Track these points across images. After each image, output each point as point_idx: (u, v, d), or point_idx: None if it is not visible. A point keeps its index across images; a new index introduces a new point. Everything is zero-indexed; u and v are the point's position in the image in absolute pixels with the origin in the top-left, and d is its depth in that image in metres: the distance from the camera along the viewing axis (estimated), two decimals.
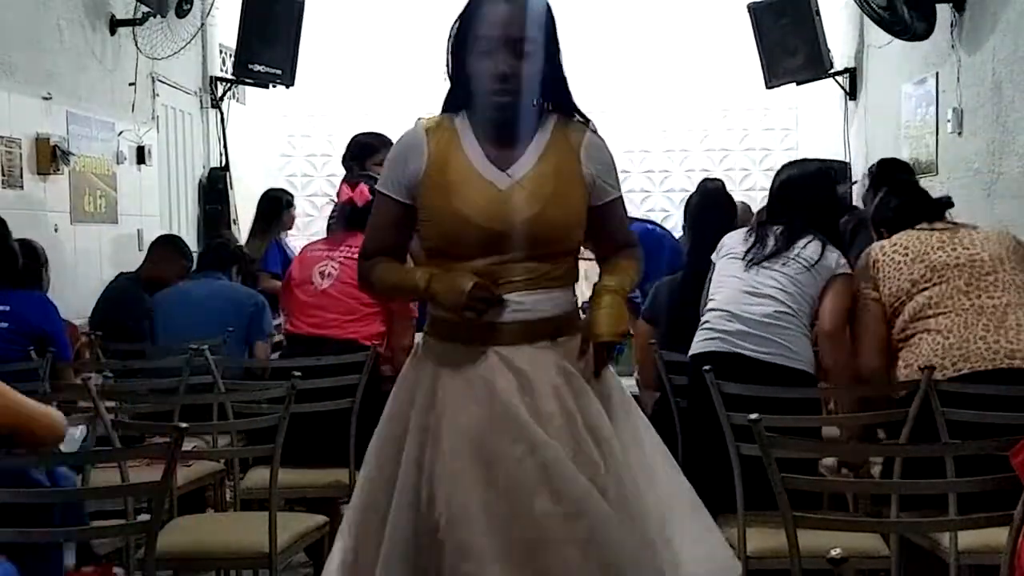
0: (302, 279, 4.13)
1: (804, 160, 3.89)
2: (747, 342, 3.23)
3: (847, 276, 3.31)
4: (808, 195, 3.45)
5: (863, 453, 3.10)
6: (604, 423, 2.26)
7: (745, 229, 3.51)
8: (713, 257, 3.53)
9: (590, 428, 2.23)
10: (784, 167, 3.66)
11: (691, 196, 4.25)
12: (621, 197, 2.43)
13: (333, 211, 4.50)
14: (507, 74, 2.22)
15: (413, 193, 2.32)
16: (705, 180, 4.33)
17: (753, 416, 2.51)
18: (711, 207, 4.03)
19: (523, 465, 2.14)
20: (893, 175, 4.39)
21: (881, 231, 3.54)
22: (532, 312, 2.27)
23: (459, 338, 2.27)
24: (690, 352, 3.38)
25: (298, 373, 3.23)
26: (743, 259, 3.37)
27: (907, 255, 3.27)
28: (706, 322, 3.38)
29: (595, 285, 2.34)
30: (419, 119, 2.40)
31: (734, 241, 3.48)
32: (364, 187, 4.09)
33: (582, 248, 2.42)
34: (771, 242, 3.36)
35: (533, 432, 2.16)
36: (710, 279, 3.49)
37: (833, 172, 5.47)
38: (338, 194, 4.31)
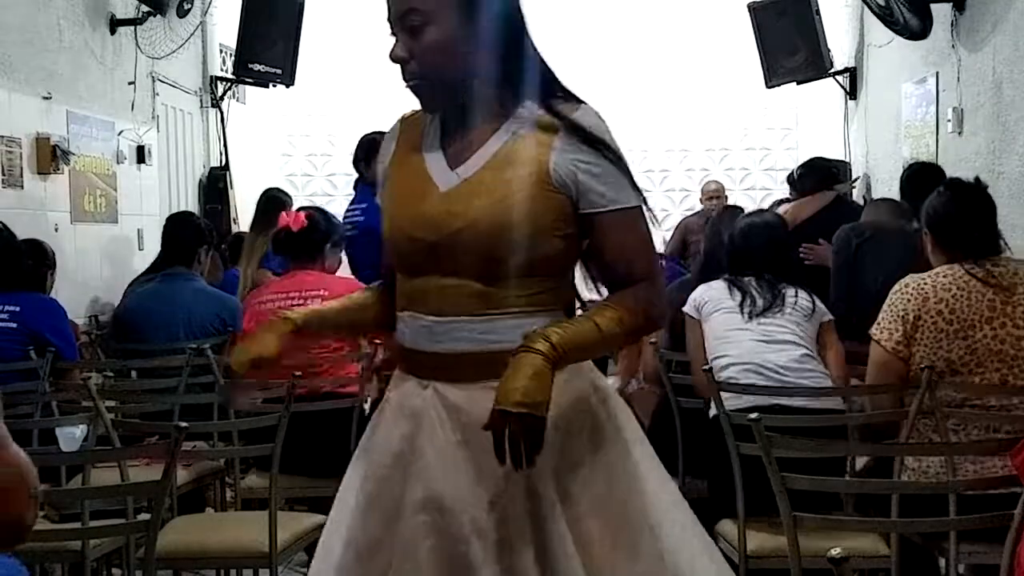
0: None
1: (760, 211, 4.02)
2: (782, 393, 3.17)
3: (831, 321, 3.42)
4: (770, 247, 3.51)
5: (863, 453, 3.10)
6: (548, 501, 1.78)
7: (720, 283, 3.48)
8: (692, 312, 3.49)
9: (529, 496, 1.77)
10: (743, 218, 3.72)
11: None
12: (633, 210, 1.85)
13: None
14: (401, 58, 1.82)
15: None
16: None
17: (753, 416, 2.51)
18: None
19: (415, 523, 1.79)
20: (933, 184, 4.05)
21: (928, 234, 3.15)
22: (477, 343, 1.82)
23: (405, 368, 1.92)
24: (718, 411, 3.02)
25: (298, 373, 3.23)
26: (740, 312, 3.36)
27: (951, 323, 2.93)
28: (730, 378, 3.23)
29: (529, 334, 1.74)
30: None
31: (717, 294, 3.45)
32: (302, 214, 4.03)
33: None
34: (758, 294, 3.38)
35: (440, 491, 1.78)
36: (699, 334, 3.44)
37: (837, 171, 5.49)
38: (279, 219, 4.07)
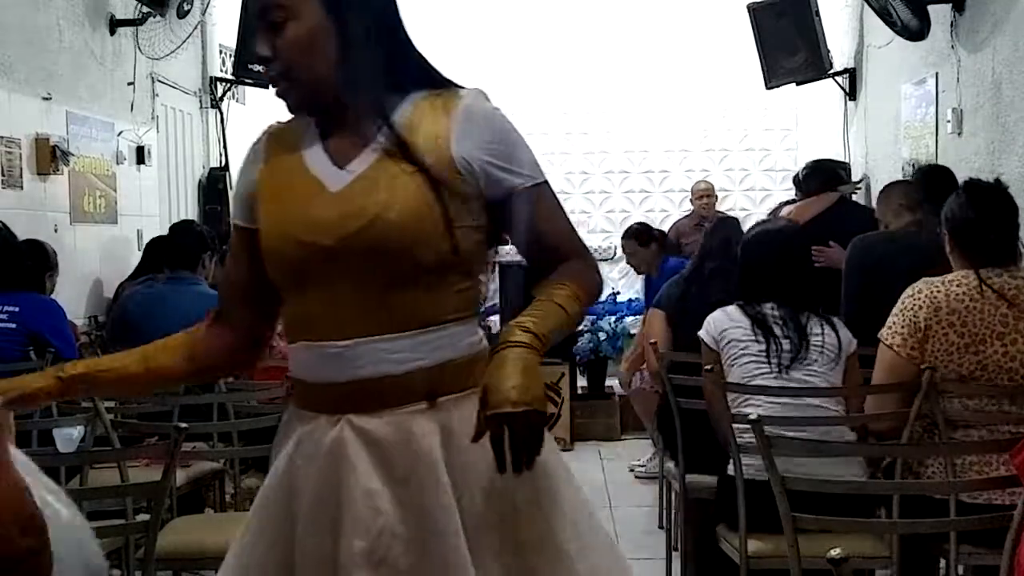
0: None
1: (773, 220, 3.75)
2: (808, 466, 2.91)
3: (856, 351, 3.20)
4: (787, 265, 3.28)
5: (861, 453, 3.09)
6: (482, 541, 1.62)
7: (739, 315, 3.24)
8: (709, 342, 3.27)
9: (469, 531, 1.61)
10: (755, 228, 3.58)
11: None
12: (541, 185, 1.71)
13: None
14: (264, 56, 1.69)
15: (254, 214, 1.75)
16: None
17: (752, 416, 2.51)
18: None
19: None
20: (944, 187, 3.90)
21: (946, 234, 3.07)
22: (397, 364, 1.65)
23: (305, 404, 1.72)
24: (739, 473, 2.95)
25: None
26: (768, 362, 3.15)
27: (962, 335, 2.87)
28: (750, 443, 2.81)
29: (502, 330, 1.61)
30: None
31: (739, 333, 3.21)
32: None
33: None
34: (782, 333, 3.16)
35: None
36: (719, 368, 3.22)
37: (842, 172, 5.49)
38: None
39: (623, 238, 6.43)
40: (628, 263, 6.63)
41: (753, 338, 3.19)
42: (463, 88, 1.72)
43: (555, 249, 1.73)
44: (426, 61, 1.75)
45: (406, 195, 1.63)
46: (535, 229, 1.71)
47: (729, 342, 3.23)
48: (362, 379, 1.64)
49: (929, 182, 4.35)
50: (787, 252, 3.34)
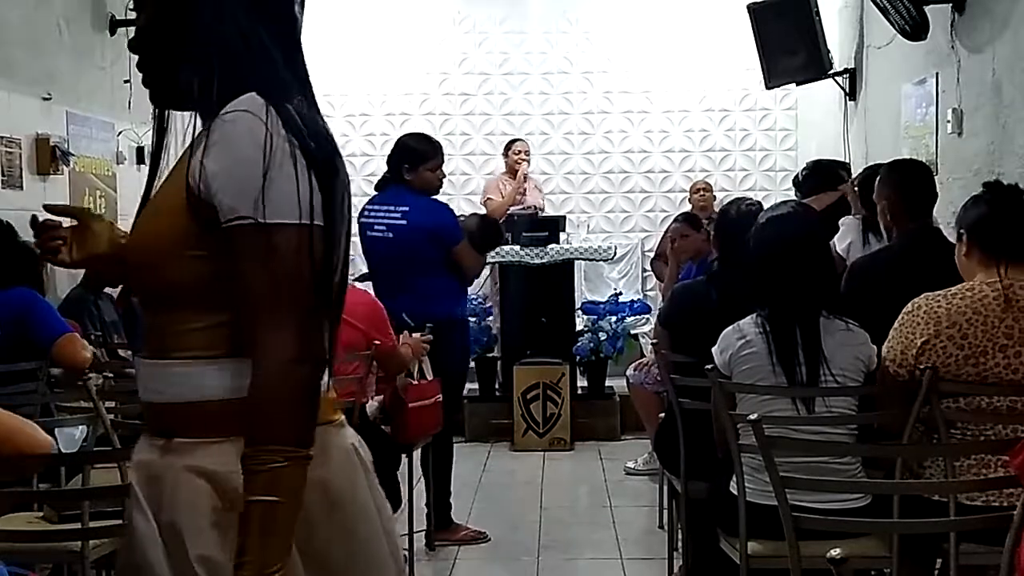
0: None
1: (779, 210, 3.36)
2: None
3: (877, 365, 3.03)
4: (799, 259, 3.08)
5: (862, 453, 3.10)
6: None
7: (754, 334, 3.05)
8: (720, 364, 3.09)
9: None
10: (764, 223, 3.26)
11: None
12: (263, 227, 1.43)
13: None
14: (131, 43, 1.62)
15: None
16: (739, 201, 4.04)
17: (752, 416, 2.51)
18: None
19: None
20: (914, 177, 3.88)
21: (960, 232, 3.00)
22: (146, 391, 1.58)
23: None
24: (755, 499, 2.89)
25: None
26: (787, 395, 3.00)
27: (962, 347, 2.83)
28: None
29: None
30: None
31: (756, 359, 3.04)
32: None
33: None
34: (802, 349, 2.99)
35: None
36: (729, 392, 3.05)
37: (843, 172, 5.48)
38: None
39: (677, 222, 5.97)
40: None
41: (767, 359, 3.02)
42: (241, 105, 1.50)
43: (245, 322, 1.47)
44: (271, 68, 1.55)
45: (157, 217, 1.55)
46: (237, 276, 1.46)
47: (744, 368, 3.05)
48: (141, 400, 1.61)
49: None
50: (807, 240, 3.15)
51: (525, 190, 7.62)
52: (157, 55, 1.58)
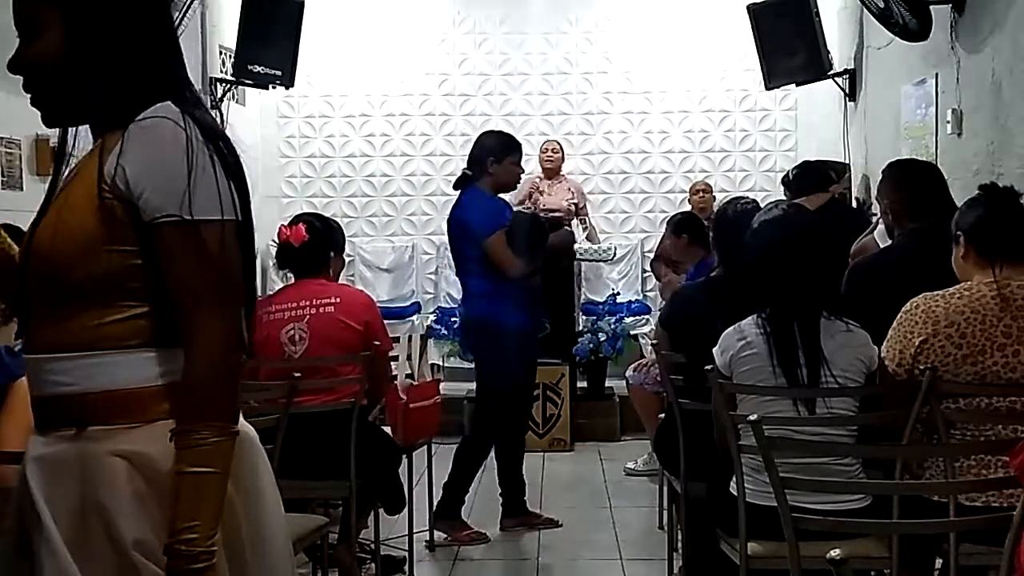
0: (271, 350, 3.78)
1: (782, 211, 3.37)
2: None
3: (878, 367, 3.02)
4: (799, 261, 3.07)
5: (862, 453, 3.10)
6: None
7: (755, 335, 3.05)
8: (720, 365, 3.08)
9: None
10: (761, 225, 3.28)
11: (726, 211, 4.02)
12: (191, 224, 1.56)
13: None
14: (15, 66, 1.67)
15: None
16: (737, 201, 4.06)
17: (752, 417, 2.51)
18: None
19: None
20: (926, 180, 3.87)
21: (963, 243, 2.99)
22: (47, 384, 1.62)
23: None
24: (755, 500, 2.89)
25: (298, 374, 3.25)
26: (788, 397, 3.00)
27: (960, 347, 2.84)
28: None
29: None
30: None
31: (756, 360, 3.03)
32: (302, 226, 3.89)
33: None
34: (802, 350, 2.98)
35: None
36: (730, 392, 3.04)
37: (832, 172, 5.49)
38: (278, 233, 3.95)
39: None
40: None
41: (768, 360, 3.02)
42: (159, 112, 1.61)
43: (178, 315, 1.58)
44: (174, 74, 1.67)
45: (67, 218, 1.61)
46: (167, 272, 1.58)
47: (745, 369, 3.05)
48: (35, 396, 1.65)
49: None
50: (806, 241, 3.14)
51: (544, 190, 7.80)
52: (48, 75, 1.64)
